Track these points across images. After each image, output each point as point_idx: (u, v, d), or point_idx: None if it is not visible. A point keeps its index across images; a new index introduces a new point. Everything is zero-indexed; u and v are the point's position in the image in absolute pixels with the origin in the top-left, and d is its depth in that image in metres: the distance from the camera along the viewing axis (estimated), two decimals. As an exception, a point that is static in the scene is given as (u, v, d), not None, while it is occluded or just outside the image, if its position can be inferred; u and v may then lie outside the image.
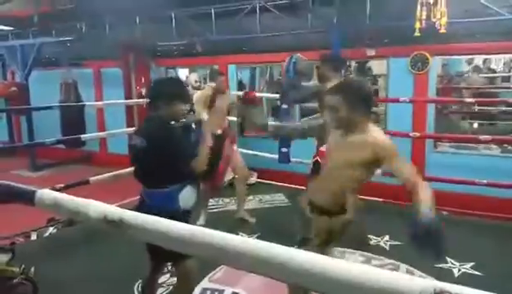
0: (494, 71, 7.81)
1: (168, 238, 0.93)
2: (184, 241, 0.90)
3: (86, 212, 1.06)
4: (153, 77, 7.44)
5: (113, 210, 1.02)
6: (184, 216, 2.31)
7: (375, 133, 2.15)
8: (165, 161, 2.28)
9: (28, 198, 1.19)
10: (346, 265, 0.74)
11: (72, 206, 1.10)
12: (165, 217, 0.98)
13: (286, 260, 0.77)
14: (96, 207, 1.04)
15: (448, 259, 3.56)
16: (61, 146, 7.01)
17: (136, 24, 7.15)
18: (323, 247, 2.26)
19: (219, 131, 4.35)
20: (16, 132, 9.51)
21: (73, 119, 7.13)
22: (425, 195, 1.92)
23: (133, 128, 6.69)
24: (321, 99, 3.68)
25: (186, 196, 2.35)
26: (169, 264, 3.18)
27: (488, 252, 3.70)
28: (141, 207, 2.37)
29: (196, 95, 4.42)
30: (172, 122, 2.47)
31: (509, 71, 7.71)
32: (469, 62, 7.50)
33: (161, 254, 2.38)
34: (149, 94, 2.54)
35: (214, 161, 2.39)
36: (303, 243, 2.35)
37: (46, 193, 1.16)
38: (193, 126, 2.51)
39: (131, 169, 4.82)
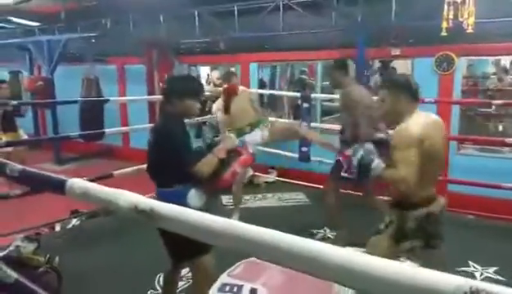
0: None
1: (198, 229, 0.94)
2: (214, 232, 0.91)
3: (116, 202, 1.07)
4: (176, 74, 7.51)
5: (143, 200, 1.03)
6: None
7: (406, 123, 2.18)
8: (169, 159, 2.27)
9: (59, 186, 1.22)
10: (381, 262, 0.73)
11: (102, 195, 1.12)
12: None
13: (319, 255, 0.77)
14: (126, 197, 1.06)
15: (471, 263, 3.49)
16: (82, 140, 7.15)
17: (159, 22, 7.22)
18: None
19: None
20: (41, 126, 9.73)
21: (91, 114, 7.23)
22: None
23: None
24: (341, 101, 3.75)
25: (194, 196, 2.32)
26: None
27: (512, 257, 3.62)
28: None
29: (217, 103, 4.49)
30: (185, 119, 2.48)
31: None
32: (496, 63, 7.32)
33: (177, 253, 2.41)
34: (163, 90, 2.54)
35: (220, 170, 2.39)
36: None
37: (76, 183, 1.19)
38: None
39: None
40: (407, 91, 2.24)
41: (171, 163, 2.28)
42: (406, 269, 0.70)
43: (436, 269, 2.00)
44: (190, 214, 0.97)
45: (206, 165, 2.33)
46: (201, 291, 2.53)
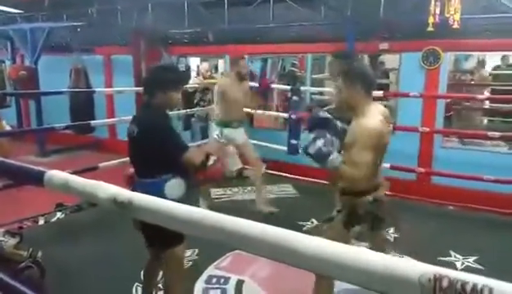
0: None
1: (177, 221, 0.93)
2: (193, 224, 0.90)
3: (95, 194, 1.06)
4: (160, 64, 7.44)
5: (122, 192, 1.02)
6: None
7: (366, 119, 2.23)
8: (154, 150, 2.26)
9: (37, 178, 1.20)
10: (347, 248, 0.74)
11: (81, 187, 1.10)
12: None
13: (292, 245, 0.77)
14: (105, 189, 1.05)
15: (452, 253, 3.57)
16: (70, 132, 7.07)
17: (147, 11, 7.13)
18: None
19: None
20: (25, 117, 9.55)
21: (81, 105, 7.13)
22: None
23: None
24: None
25: (173, 186, 2.32)
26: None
27: (492, 247, 3.71)
28: None
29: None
30: (167, 111, 2.48)
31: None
32: (478, 58, 7.37)
33: (153, 241, 2.42)
34: (144, 81, 2.50)
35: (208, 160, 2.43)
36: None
37: (55, 175, 1.17)
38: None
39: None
40: (363, 83, 2.28)
41: (154, 155, 2.29)
42: (373, 257, 0.71)
43: (380, 249, 2.07)
44: (168, 205, 0.96)
45: (196, 153, 2.38)
46: (173, 283, 2.50)
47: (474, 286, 0.62)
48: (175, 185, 2.32)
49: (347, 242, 2.38)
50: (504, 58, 7.20)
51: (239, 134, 4.48)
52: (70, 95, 6.93)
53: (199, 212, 0.91)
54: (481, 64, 7.16)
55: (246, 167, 5.77)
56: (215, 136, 4.40)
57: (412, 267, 0.68)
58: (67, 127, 4.94)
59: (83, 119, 5.78)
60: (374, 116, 2.25)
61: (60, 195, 4.22)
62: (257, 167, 4.61)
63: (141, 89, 7.20)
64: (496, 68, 7.50)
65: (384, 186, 2.47)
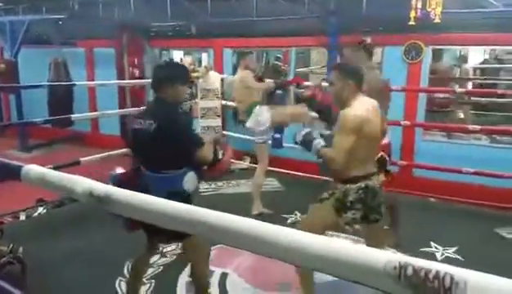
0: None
1: (155, 215, 0.94)
2: (172, 218, 0.91)
3: (72, 187, 1.06)
4: (147, 58, 7.37)
5: (99, 186, 1.02)
6: (188, 201, 2.33)
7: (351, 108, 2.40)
8: (173, 145, 2.33)
9: (14, 173, 1.20)
10: (317, 238, 0.76)
11: (58, 181, 1.10)
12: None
13: (266, 236, 0.79)
14: (82, 183, 1.05)
15: (433, 243, 3.64)
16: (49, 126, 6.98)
17: (130, 4, 7.04)
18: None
19: None
20: (5, 111, 9.36)
21: (60, 98, 7.03)
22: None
23: (126, 110, 6.71)
24: None
25: (190, 180, 2.41)
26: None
27: (472, 238, 3.79)
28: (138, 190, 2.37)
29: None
30: (178, 106, 2.58)
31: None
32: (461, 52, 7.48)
33: (164, 233, 2.42)
34: (153, 77, 2.59)
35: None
36: None
37: (32, 169, 1.16)
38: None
39: (122, 150, 4.85)
40: (355, 78, 2.45)
41: (173, 150, 2.34)
42: (340, 245, 0.73)
43: (376, 243, 2.13)
44: (146, 199, 0.97)
45: (207, 153, 2.46)
46: (201, 267, 2.59)
47: (437, 273, 0.65)
48: (191, 179, 2.42)
49: (336, 226, 2.60)
50: (491, 52, 7.33)
51: (261, 120, 4.50)
52: (49, 88, 6.81)
53: (179, 206, 0.92)
54: (462, 59, 7.27)
55: (233, 161, 5.78)
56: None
57: (378, 255, 0.70)
58: (47, 121, 4.87)
59: (62, 113, 5.68)
60: (360, 106, 2.41)
61: (42, 191, 4.21)
62: (261, 164, 4.54)
63: (123, 82, 7.15)
64: (484, 62, 7.64)
65: (380, 177, 2.62)
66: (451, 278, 0.63)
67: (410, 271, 0.66)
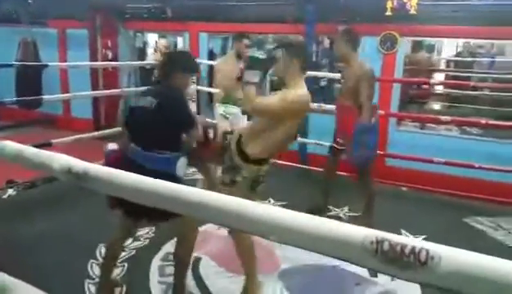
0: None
1: (132, 191, 0.94)
2: (149, 194, 0.91)
3: (50, 164, 1.04)
4: (120, 40, 7.20)
5: (78, 163, 1.01)
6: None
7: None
8: (171, 124, 2.37)
9: (-12, 149, 1.16)
10: (296, 215, 0.78)
11: (36, 158, 1.08)
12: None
13: (244, 212, 0.80)
14: (60, 160, 1.03)
15: (403, 231, 3.74)
16: (17, 107, 6.76)
17: (104, -16, 6.85)
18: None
19: None
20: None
21: (29, 80, 6.78)
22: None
23: (99, 92, 6.57)
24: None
25: (182, 166, 2.44)
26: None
27: (441, 227, 3.91)
28: (131, 167, 2.36)
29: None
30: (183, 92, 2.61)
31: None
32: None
33: (148, 215, 2.41)
34: (165, 63, 2.65)
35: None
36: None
37: (9, 145, 1.14)
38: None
39: (94, 133, 4.75)
40: (300, 57, 2.50)
41: (169, 129, 2.38)
42: (319, 222, 0.75)
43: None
44: (125, 176, 0.96)
45: (199, 134, 2.57)
46: (189, 244, 2.60)
47: (413, 248, 0.68)
48: (183, 165, 2.45)
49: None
50: (465, 45, 7.53)
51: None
52: (17, 68, 6.58)
53: (157, 183, 0.92)
54: (429, 49, 7.44)
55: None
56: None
57: (355, 231, 0.72)
58: (17, 101, 4.72)
59: (30, 94, 5.49)
60: (304, 91, 2.48)
61: (11, 171, 4.09)
62: None
63: (96, 64, 6.96)
64: (458, 54, 7.84)
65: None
66: (427, 253, 0.66)
67: (386, 246, 0.68)
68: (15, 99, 4.47)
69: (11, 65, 5.29)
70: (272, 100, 2.49)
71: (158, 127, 2.38)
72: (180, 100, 2.50)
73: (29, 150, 1.10)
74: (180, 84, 2.56)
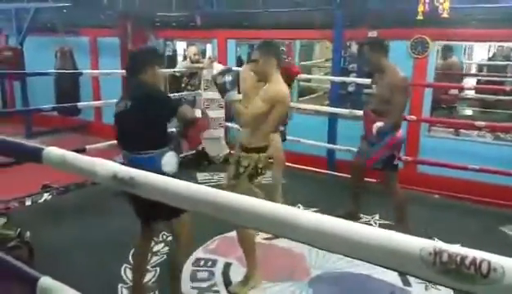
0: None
1: (178, 197, 0.94)
2: (194, 199, 0.91)
3: (93, 170, 1.06)
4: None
5: (123, 168, 1.02)
6: None
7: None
8: (150, 120, 2.35)
9: (35, 155, 1.19)
10: (350, 224, 0.76)
11: (80, 163, 1.10)
12: None
13: (291, 220, 0.79)
14: (104, 165, 1.04)
15: (436, 239, 3.63)
16: (56, 114, 6.99)
17: (134, -7, 7.01)
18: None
19: None
20: (9, 98, 9.36)
21: (67, 87, 7.02)
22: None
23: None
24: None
25: (169, 161, 2.40)
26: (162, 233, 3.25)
27: (477, 235, 3.78)
28: None
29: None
30: (156, 86, 2.59)
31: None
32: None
33: (153, 214, 2.43)
34: (129, 63, 2.66)
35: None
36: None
37: (53, 151, 1.16)
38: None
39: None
40: (276, 57, 2.81)
41: (150, 126, 2.36)
42: (374, 232, 0.73)
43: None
44: (170, 182, 0.96)
45: (185, 111, 2.55)
46: (185, 250, 2.64)
47: (474, 259, 0.65)
48: (171, 160, 2.41)
49: (251, 193, 2.71)
50: (498, 48, 7.31)
51: None
52: (56, 76, 6.80)
53: (201, 189, 0.92)
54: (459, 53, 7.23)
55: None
56: None
57: (412, 241, 0.70)
58: (54, 109, 4.86)
59: (69, 101, 5.68)
60: (282, 83, 2.78)
61: (46, 177, 4.21)
62: (278, 162, 4.01)
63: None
64: (491, 58, 7.62)
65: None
66: (489, 264, 0.63)
67: (445, 257, 0.66)
68: (51, 106, 4.57)
69: (49, 73, 5.46)
70: (257, 104, 2.72)
71: (137, 127, 2.37)
72: (151, 93, 2.45)
73: (73, 156, 1.12)
74: (153, 79, 2.53)
